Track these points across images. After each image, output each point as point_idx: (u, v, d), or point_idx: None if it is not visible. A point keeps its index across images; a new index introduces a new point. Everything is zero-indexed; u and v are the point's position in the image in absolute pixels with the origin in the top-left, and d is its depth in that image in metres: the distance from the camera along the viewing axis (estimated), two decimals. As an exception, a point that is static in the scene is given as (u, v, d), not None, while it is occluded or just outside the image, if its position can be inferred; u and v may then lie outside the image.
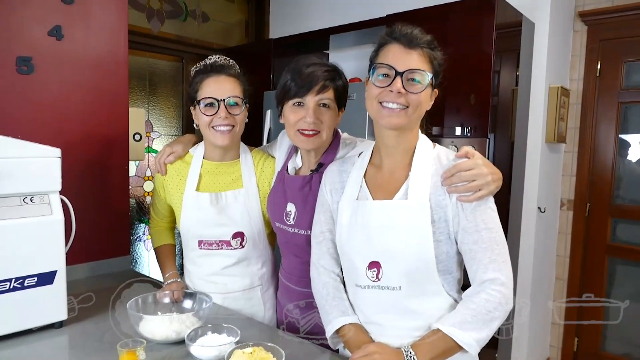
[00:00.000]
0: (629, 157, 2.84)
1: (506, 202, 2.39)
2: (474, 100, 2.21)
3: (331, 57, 3.42)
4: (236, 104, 1.41)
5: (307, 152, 1.35)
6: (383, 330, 1.11)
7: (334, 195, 1.20)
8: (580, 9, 2.81)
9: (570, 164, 2.96)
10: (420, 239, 1.03)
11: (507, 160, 2.39)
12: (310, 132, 1.27)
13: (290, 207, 1.36)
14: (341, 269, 1.20)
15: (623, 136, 2.84)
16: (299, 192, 1.34)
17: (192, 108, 1.46)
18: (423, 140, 1.14)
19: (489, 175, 1.03)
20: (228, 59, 1.48)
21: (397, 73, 1.03)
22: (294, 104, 1.28)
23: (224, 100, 1.38)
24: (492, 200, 1.06)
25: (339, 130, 1.41)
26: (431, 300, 1.07)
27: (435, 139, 2.29)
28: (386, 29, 1.10)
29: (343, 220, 1.14)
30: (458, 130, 2.25)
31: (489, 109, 2.16)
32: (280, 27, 3.69)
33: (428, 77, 1.05)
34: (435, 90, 1.11)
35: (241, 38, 3.79)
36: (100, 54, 1.79)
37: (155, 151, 3.35)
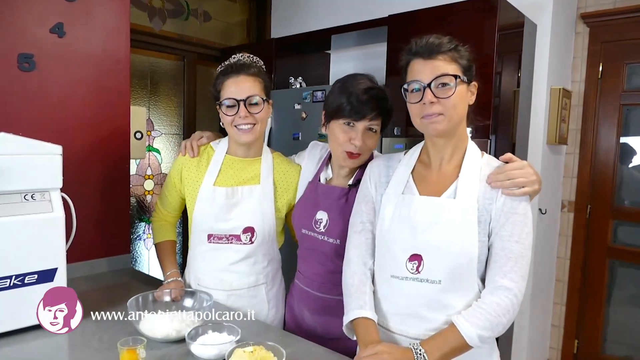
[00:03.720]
0: (630, 160, 2.83)
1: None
2: (475, 101, 2.20)
3: (333, 57, 3.42)
4: (256, 102, 1.44)
5: (342, 167, 1.40)
6: (404, 319, 1.14)
7: (378, 188, 1.24)
8: (583, 10, 2.81)
9: (572, 165, 2.96)
10: (465, 236, 1.08)
11: (509, 161, 2.38)
12: (356, 154, 1.33)
13: (322, 215, 1.40)
14: (373, 262, 1.23)
15: (624, 138, 2.83)
16: (335, 202, 1.39)
17: (217, 107, 1.49)
18: (473, 145, 1.18)
19: (534, 175, 1.09)
20: (251, 56, 1.51)
21: (425, 86, 1.08)
22: (344, 123, 1.32)
23: (243, 100, 1.41)
24: (530, 219, 1.10)
25: (374, 154, 1.46)
26: (466, 297, 1.10)
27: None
28: (406, 48, 1.15)
29: (386, 213, 1.18)
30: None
31: (490, 110, 2.15)
32: (281, 27, 3.69)
33: (455, 76, 1.08)
34: (474, 83, 1.15)
35: (243, 38, 3.79)
36: (102, 52, 1.78)
37: (156, 150, 3.35)
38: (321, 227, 1.39)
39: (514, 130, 2.39)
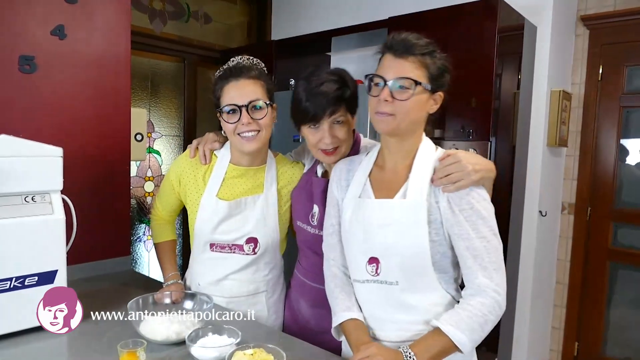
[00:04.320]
0: (630, 161, 2.83)
1: (507, 206, 2.38)
2: (475, 103, 2.21)
3: (333, 59, 3.42)
4: (260, 107, 1.36)
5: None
6: (382, 325, 1.15)
7: (339, 192, 1.25)
8: (583, 13, 2.81)
9: (572, 167, 2.96)
10: (416, 237, 1.07)
11: (509, 163, 2.39)
12: (331, 150, 1.31)
13: (316, 209, 1.40)
14: None
15: (624, 140, 2.83)
16: (321, 194, 1.38)
17: (218, 115, 1.41)
18: (426, 143, 1.16)
19: (469, 165, 1.06)
20: (251, 58, 1.44)
21: (385, 82, 1.07)
22: (309, 127, 1.31)
23: (245, 106, 1.34)
24: (485, 208, 1.08)
25: (360, 135, 1.43)
26: (427, 296, 1.11)
27: (437, 141, 2.29)
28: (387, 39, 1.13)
29: (346, 217, 1.19)
30: (460, 133, 2.25)
31: (490, 112, 2.16)
32: (282, 28, 3.70)
33: (418, 83, 1.06)
34: (440, 93, 1.12)
35: (243, 39, 3.80)
36: (102, 54, 1.79)
37: (157, 151, 3.35)
38: (315, 220, 1.39)
39: (514, 132, 2.40)
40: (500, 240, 1.08)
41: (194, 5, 3.42)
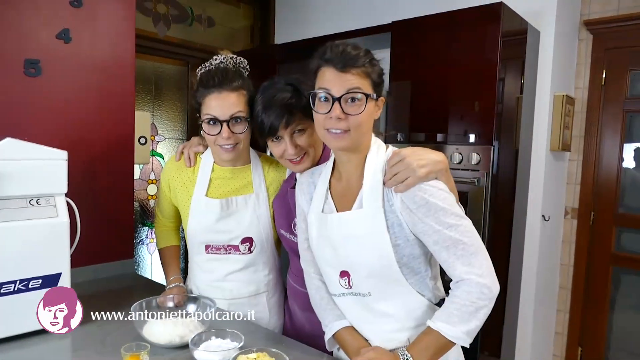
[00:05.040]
0: (634, 166, 2.82)
1: (510, 211, 2.38)
2: (478, 107, 2.21)
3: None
4: (240, 120, 1.36)
5: None
6: (366, 335, 1.15)
7: (305, 205, 1.24)
8: (586, 17, 2.81)
9: (575, 172, 2.95)
10: (378, 245, 1.06)
11: (512, 168, 2.39)
12: (297, 159, 1.30)
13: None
14: None
15: (628, 145, 2.83)
16: None
17: (198, 119, 1.42)
18: (374, 147, 1.13)
19: (413, 162, 1.04)
20: (234, 57, 1.44)
21: (334, 99, 1.03)
22: (272, 140, 1.30)
23: (227, 121, 1.34)
24: (442, 198, 1.03)
25: None
26: (402, 302, 1.10)
27: (439, 145, 2.29)
28: (319, 50, 1.11)
29: (313, 233, 1.19)
30: (462, 138, 2.25)
31: (493, 117, 2.15)
32: (285, 32, 3.71)
33: (367, 94, 1.05)
34: (382, 98, 1.12)
35: (246, 43, 3.81)
36: (107, 58, 1.80)
37: (160, 154, 3.36)
38: (297, 229, 1.37)
39: (517, 136, 2.39)
40: (469, 220, 1.05)
41: (197, 9, 3.44)
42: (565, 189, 2.98)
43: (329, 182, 1.20)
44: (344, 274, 1.12)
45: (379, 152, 1.13)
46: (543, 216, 2.64)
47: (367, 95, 1.05)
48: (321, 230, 1.16)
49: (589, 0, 2.80)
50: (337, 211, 1.15)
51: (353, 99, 1.04)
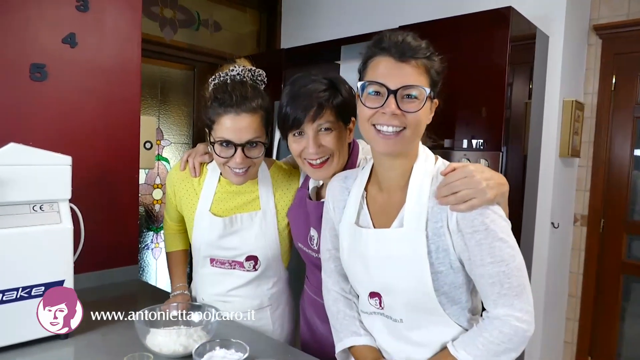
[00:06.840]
0: (644, 173, 2.79)
1: (519, 217, 2.35)
2: (486, 112, 2.18)
3: (342, 68, 3.41)
4: (256, 145, 1.26)
5: None
6: (391, 356, 1.08)
7: (336, 213, 1.13)
8: (595, 22, 2.78)
9: (584, 178, 2.91)
10: (416, 271, 0.95)
11: (520, 174, 2.36)
12: (318, 162, 1.18)
13: (314, 232, 1.30)
14: (351, 286, 1.16)
15: (638, 151, 2.79)
16: (317, 220, 1.26)
17: (207, 135, 1.32)
18: (422, 156, 1.02)
19: (482, 182, 0.91)
20: (253, 69, 1.32)
21: (390, 92, 0.91)
22: (294, 135, 1.18)
23: (242, 145, 1.23)
24: (501, 227, 0.93)
25: (360, 145, 1.30)
26: (437, 332, 1.01)
27: (447, 151, 2.27)
28: (374, 38, 0.97)
29: (344, 245, 1.09)
30: (470, 144, 2.22)
31: (502, 122, 2.13)
32: (292, 37, 3.70)
33: (426, 91, 0.93)
34: (435, 100, 1.01)
35: (253, 48, 3.81)
36: (113, 62, 1.79)
37: (165, 159, 3.35)
38: (314, 244, 1.30)
39: (526, 142, 2.37)
40: (521, 255, 0.95)
41: (204, 13, 3.44)
42: (575, 195, 2.94)
43: (365, 190, 1.09)
44: (375, 295, 1.03)
45: (427, 162, 1.01)
46: (552, 223, 2.61)
47: (428, 92, 0.93)
48: (354, 245, 1.05)
49: (599, 4, 2.77)
50: (374, 226, 1.04)
51: (410, 95, 0.92)
